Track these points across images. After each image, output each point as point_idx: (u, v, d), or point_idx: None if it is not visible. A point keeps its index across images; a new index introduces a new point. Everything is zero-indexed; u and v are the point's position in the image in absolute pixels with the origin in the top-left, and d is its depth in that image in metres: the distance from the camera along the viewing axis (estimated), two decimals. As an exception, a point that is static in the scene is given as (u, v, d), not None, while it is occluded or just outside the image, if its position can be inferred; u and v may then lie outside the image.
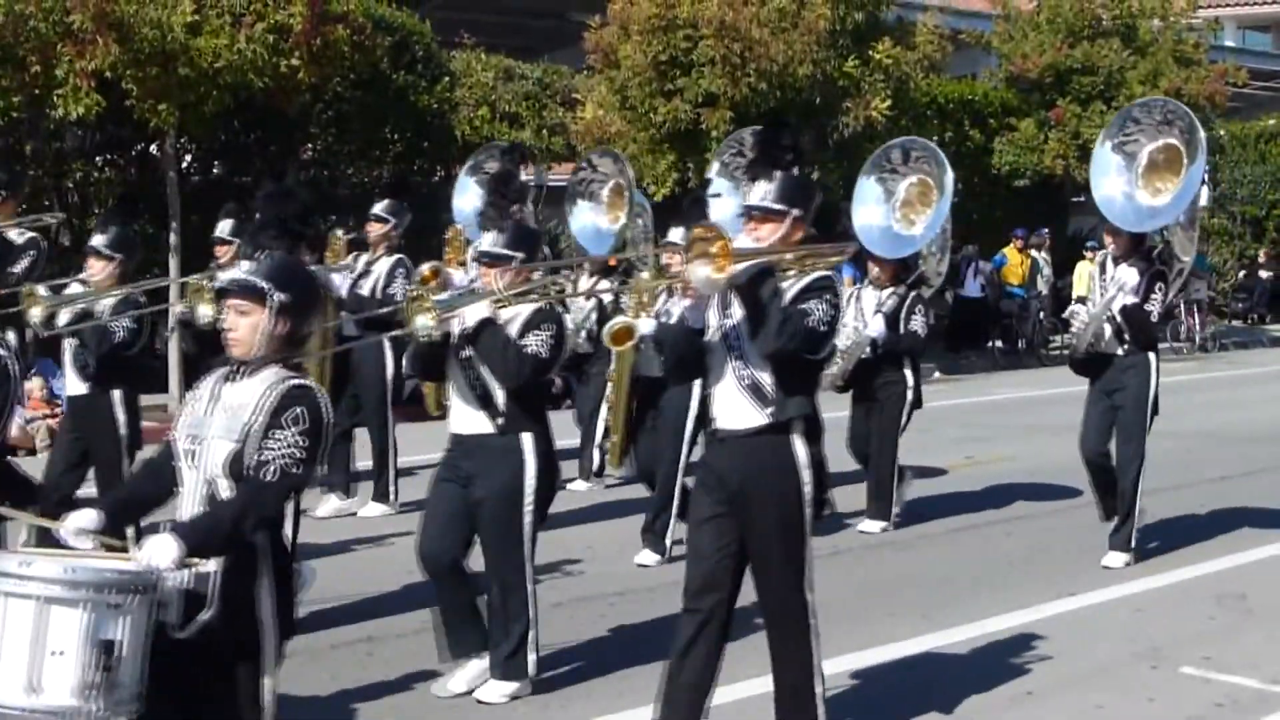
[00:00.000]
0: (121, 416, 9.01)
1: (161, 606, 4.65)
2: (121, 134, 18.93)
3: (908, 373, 11.55)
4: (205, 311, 9.11)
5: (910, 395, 11.51)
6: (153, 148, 19.10)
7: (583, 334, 12.01)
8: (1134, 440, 10.21)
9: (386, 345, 11.37)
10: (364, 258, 11.95)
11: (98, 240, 9.18)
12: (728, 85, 20.10)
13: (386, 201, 12.24)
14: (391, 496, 11.87)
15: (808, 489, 6.08)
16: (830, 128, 21.24)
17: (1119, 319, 10.13)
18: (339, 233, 12.58)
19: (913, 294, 11.55)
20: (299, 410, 4.85)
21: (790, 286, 6.07)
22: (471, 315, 7.06)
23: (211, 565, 4.76)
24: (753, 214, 6.23)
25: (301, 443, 4.83)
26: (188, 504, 4.96)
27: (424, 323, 6.93)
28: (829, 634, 8.16)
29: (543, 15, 27.80)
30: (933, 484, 13.16)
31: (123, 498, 5.38)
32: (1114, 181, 10.24)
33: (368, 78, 19.72)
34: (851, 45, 21.28)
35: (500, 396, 7.11)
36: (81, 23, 15.33)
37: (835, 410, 9.19)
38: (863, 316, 11.50)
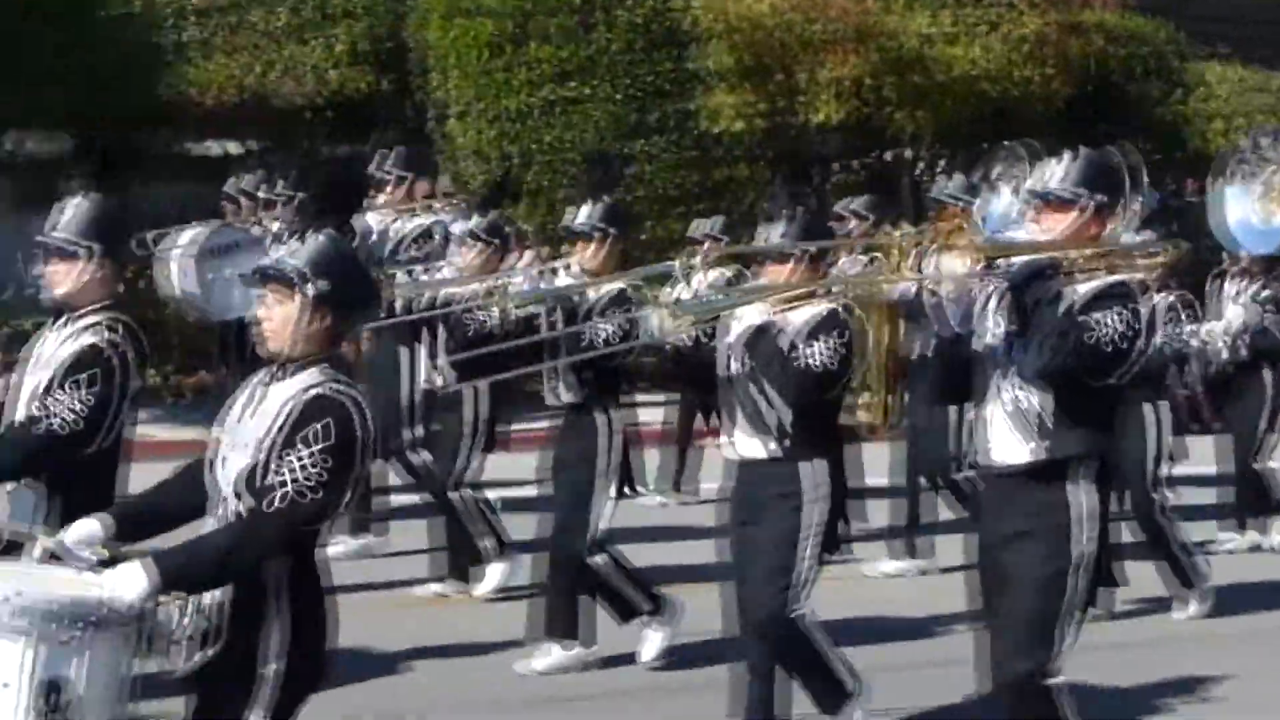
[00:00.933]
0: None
1: (169, 644, 4.01)
2: (863, 140, 19.57)
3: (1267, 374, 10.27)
4: (660, 325, 6.85)
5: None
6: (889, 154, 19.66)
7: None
8: None
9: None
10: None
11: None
12: None
13: (866, 197, 11.02)
14: None
15: (1079, 548, 5.00)
16: None
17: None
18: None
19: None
20: (320, 425, 4.01)
21: (1081, 293, 5.02)
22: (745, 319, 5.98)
23: (217, 595, 4.06)
24: (1039, 201, 5.24)
25: (319, 463, 3.98)
26: (210, 522, 4.23)
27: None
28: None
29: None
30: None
31: (140, 507, 4.50)
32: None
33: (1103, 87, 19.60)
34: None
35: (777, 418, 5.94)
36: (839, 31, 16.05)
37: None
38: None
